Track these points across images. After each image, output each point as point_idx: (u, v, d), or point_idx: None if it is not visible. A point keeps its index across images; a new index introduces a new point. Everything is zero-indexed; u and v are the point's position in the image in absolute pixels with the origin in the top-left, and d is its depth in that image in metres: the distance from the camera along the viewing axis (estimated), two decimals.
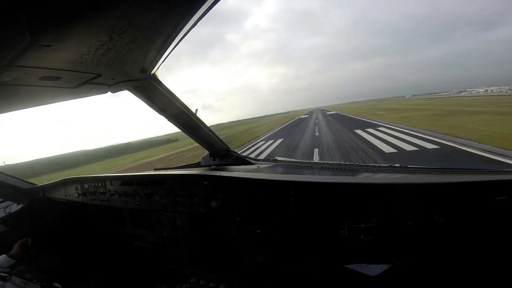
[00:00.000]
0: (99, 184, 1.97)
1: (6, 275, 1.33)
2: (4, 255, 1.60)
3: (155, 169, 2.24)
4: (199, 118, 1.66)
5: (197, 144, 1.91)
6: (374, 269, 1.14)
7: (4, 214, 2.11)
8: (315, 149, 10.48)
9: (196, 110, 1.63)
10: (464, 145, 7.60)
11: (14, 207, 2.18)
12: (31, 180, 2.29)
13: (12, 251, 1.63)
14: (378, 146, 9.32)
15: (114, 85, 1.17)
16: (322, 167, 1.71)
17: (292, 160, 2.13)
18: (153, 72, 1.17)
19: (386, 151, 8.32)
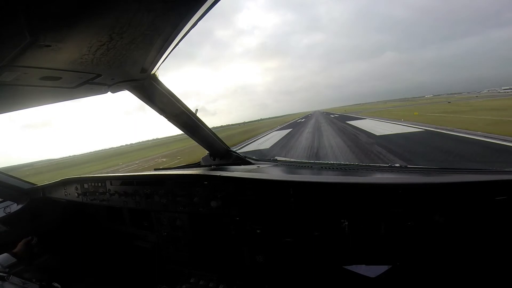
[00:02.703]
0: (99, 184, 1.97)
1: (5, 275, 1.33)
2: (4, 255, 1.60)
3: (155, 169, 2.24)
4: (199, 118, 1.66)
5: None
6: (374, 271, 1.14)
7: (4, 214, 2.11)
8: None
9: (196, 110, 1.63)
10: None
11: (14, 207, 2.18)
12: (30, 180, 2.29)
13: (16, 249, 1.63)
14: None
15: (114, 85, 1.17)
16: (322, 167, 1.70)
17: (292, 160, 2.13)
18: (153, 72, 1.16)
19: None
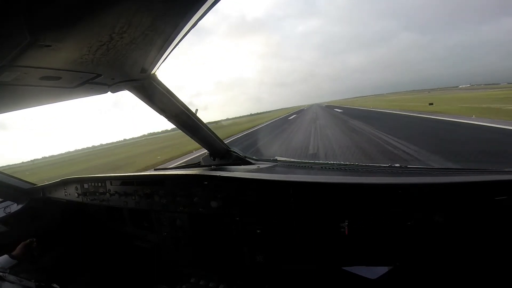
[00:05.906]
0: (99, 184, 1.97)
1: (4, 274, 1.33)
2: (4, 256, 1.59)
3: (155, 169, 2.24)
4: (198, 118, 1.66)
5: None
6: (374, 272, 1.14)
7: (4, 214, 2.11)
8: None
9: (196, 110, 1.64)
10: None
11: (14, 207, 2.18)
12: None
13: (15, 251, 1.62)
14: None
15: (114, 85, 1.17)
16: (322, 167, 1.70)
17: (292, 160, 2.13)
18: (153, 72, 1.17)
19: None
